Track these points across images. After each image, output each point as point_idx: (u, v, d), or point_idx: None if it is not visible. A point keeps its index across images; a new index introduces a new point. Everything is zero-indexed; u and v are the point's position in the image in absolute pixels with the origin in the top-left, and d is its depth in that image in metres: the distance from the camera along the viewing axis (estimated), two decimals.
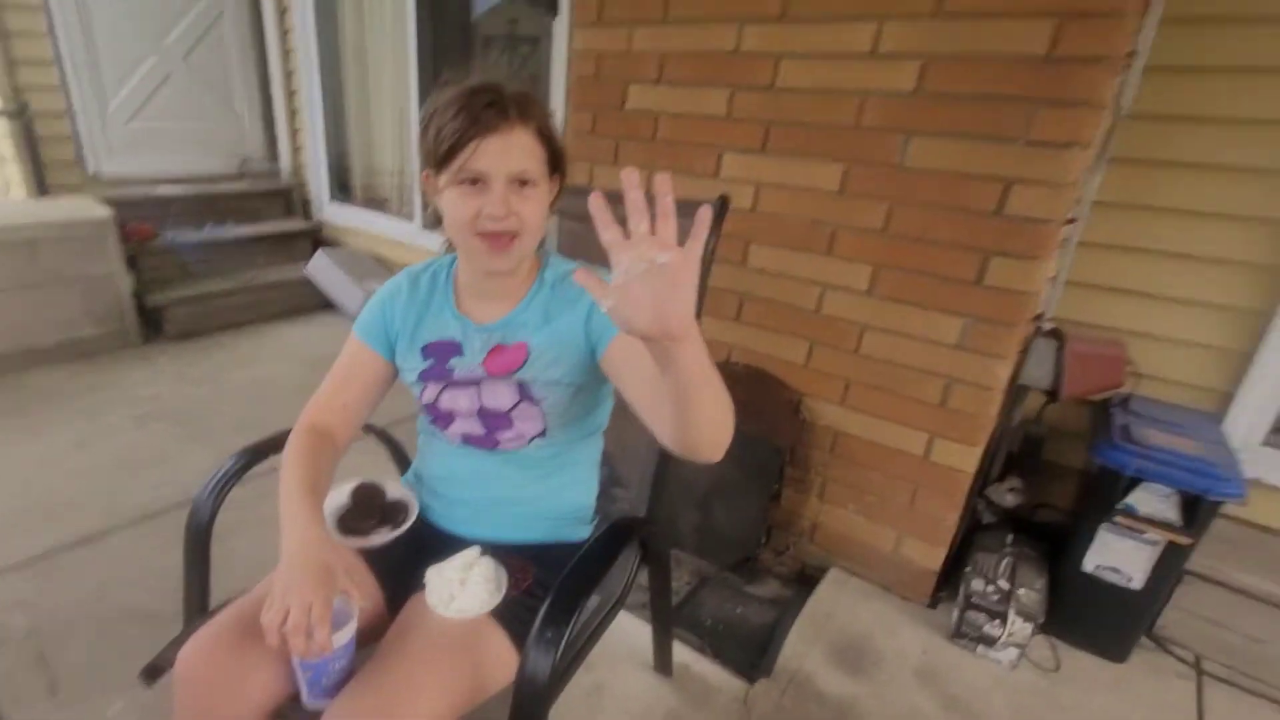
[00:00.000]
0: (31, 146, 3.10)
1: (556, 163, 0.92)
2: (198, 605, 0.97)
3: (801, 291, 1.77)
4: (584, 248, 1.22)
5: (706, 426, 0.68)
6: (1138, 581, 1.56)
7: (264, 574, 0.88)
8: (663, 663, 1.48)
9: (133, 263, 2.96)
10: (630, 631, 1.58)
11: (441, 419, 1.01)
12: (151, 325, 3.05)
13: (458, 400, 0.98)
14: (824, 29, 1.58)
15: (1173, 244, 1.70)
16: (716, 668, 1.53)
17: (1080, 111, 1.34)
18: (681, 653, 1.53)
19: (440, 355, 0.99)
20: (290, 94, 3.80)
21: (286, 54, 3.73)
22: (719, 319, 1.92)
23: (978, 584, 1.60)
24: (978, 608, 1.58)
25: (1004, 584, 1.60)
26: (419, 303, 1.01)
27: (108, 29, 3.23)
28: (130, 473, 2.05)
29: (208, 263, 3.31)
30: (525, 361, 0.95)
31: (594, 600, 1.10)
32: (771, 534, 1.92)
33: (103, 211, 2.81)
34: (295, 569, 0.78)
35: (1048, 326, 1.69)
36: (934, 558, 1.73)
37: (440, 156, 0.84)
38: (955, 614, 1.65)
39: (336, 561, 0.81)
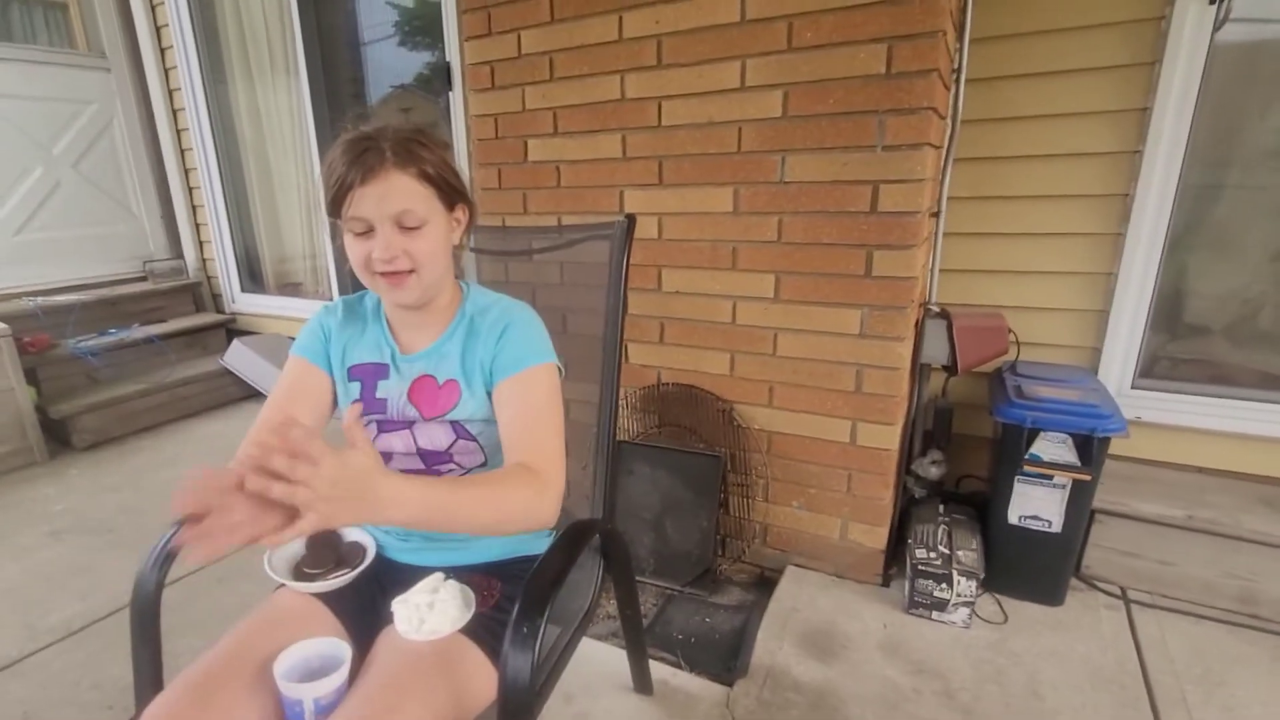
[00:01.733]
0: None
1: (454, 197, 0.94)
2: (150, 683, 0.94)
3: (715, 306, 1.89)
4: (502, 284, 1.29)
5: (492, 532, 0.89)
6: (1057, 524, 1.70)
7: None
8: (642, 682, 1.49)
9: (31, 375, 2.80)
10: (606, 659, 1.59)
11: None
12: (57, 438, 2.87)
13: (392, 443, 1.00)
14: (696, 71, 1.76)
15: (1022, 225, 1.95)
16: (694, 678, 1.55)
17: (922, 116, 1.54)
18: (658, 670, 1.55)
19: (367, 378, 1.01)
20: (190, 190, 3.76)
21: (183, 153, 3.71)
22: (643, 343, 2.01)
23: (921, 553, 1.71)
24: (924, 575, 1.68)
25: (943, 549, 1.71)
26: (352, 325, 1.04)
27: None
28: (50, 589, 1.90)
29: (115, 367, 3.16)
30: (456, 404, 0.97)
31: (565, 609, 1.13)
32: (725, 544, 1.98)
33: None
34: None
35: (935, 309, 1.87)
36: (878, 537, 1.83)
37: (329, 206, 0.90)
38: (906, 586, 1.74)
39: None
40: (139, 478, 2.65)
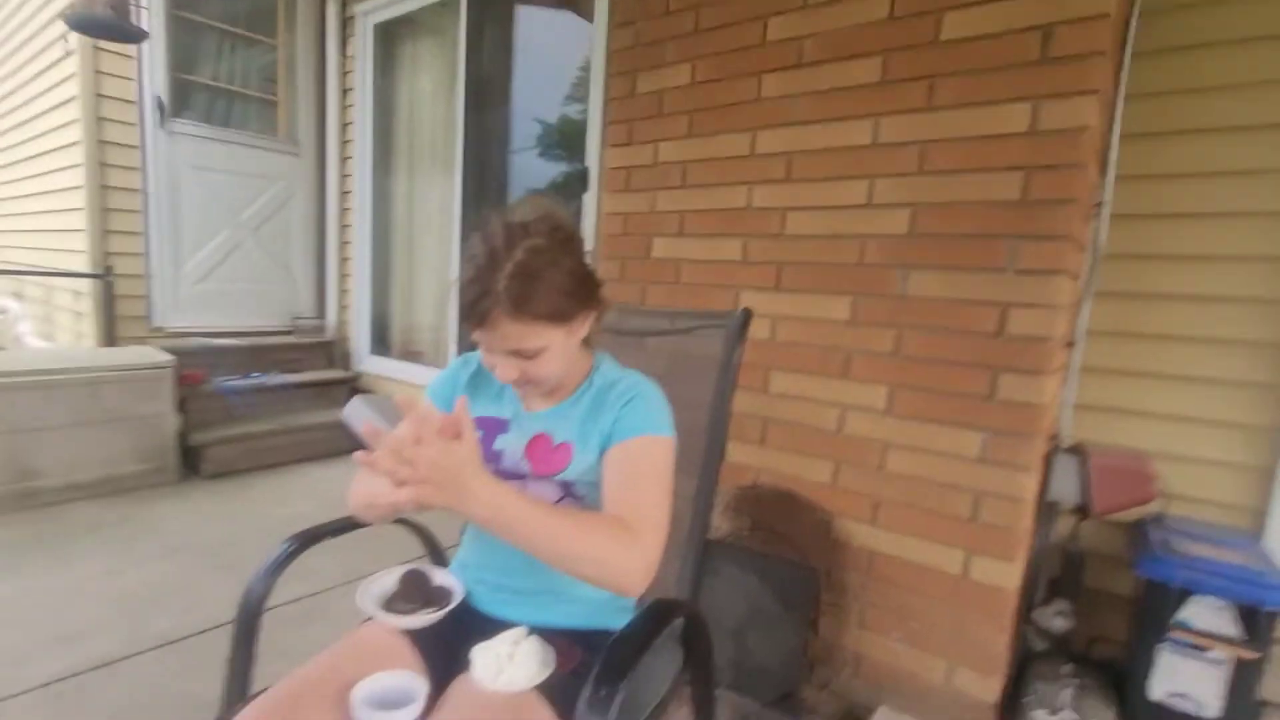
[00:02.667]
0: (108, 304, 3.42)
1: (574, 314, 0.95)
2: (240, 688, 0.96)
3: (822, 413, 1.85)
4: (630, 360, 1.33)
5: (567, 568, 0.85)
6: (1213, 709, 1.45)
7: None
8: None
9: (182, 405, 3.13)
10: None
11: None
12: (190, 464, 3.14)
13: None
14: (824, 186, 1.84)
15: (1174, 367, 1.78)
16: None
17: (1059, 244, 1.52)
18: None
19: (489, 431, 1.05)
20: (342, 260, 4.23)
21: (343, 229, 4.21)
22: (744, 443, 1.99)
23: (1042, 714, 1.50)
24: None
25: (1071, 714, 1.49)
26: (483, 377, 1.10)
27: (192, 209, 3.70)
28: (156, 600, 2.02)
29: (250, 406, 3.47)
30: (569, 464, 1.00)
31: (638, 696, 1.07)
32: (813, 668, 1.82)
33: (164, 357, 3.04)
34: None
35: (1067, 444, 1.74)
36: (990, 689, 1.62)
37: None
38: None
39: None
40: (250, 510, 2.82)
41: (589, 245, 2.88)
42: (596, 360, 1.09)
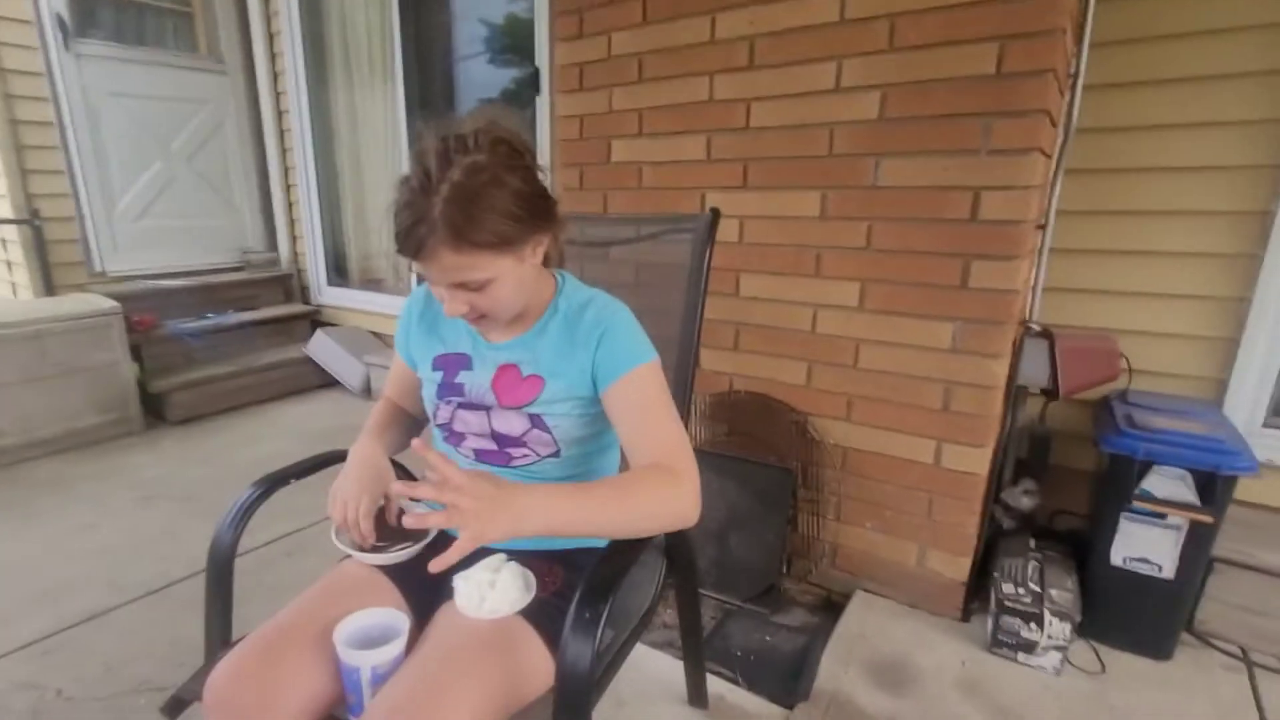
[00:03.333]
0: (40, 251, 3.21)
1: (522, 239, 0.85)
2: (220, 636, 0.95)
3: (795, 314, 1.82)
4: (575, 269, 1.27)
5: (631, 532, 0.85)
6: (1168, 570, 1.53)
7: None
8: (697, 695, 1.43)
9: (136, 352, 3.01)
10: (660, 668, 1.54)
11: (454, 437, 1.02)
12: (154, 412, 3.06)
13: (469, 423, 0.99)
14: (789, 72, 1.71)
15: (1141, 243, 1.79)
16: (752, 696, 1.47)
17: (1033, 119, 1.44)
18: (714, 684, 1.48)
19: (450, 368, 1.00)
20: (288, 188, 3.98)
21: (284, 153, 3.94)
22: (717, 349, 1.96)
23: (1008, 588, 1.57)
24: (1012, 612, 1.55)
25: (1034, 586, 1.57)
26: (434, 314, 1.04)
27: (116, 140, 3.42)
28: (136, 551, 2.01)
29: (210, 349, 3.36)
30: (538, 396, 0.95)
31: (623, 608, 1.09)
32: (792, 562, 1.89)
33: (109, 304, 2.89)
34: (349, 477, 0.96)
35: (1036, 328, 1.74)
36: (960, 568, 1.70)
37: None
38: (990, 622, 1.61)
39: (387, 471, 0.98)
40: (223, 453, 2.79)
41: (544, 155, 2.73)
42: (559, 281, 1.01)
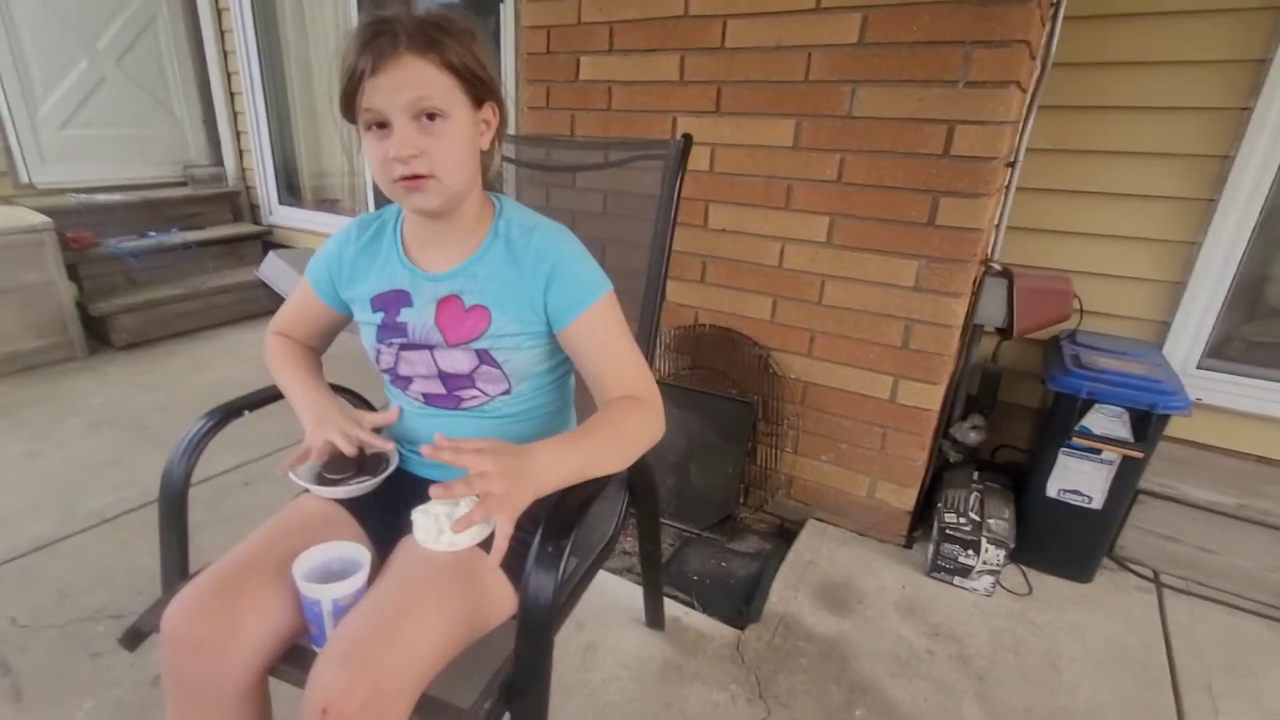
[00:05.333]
0: None
1: (481, 92, 0.84)
2: (176, 569, 0.94)
3: (763, 248, 1.80)
4: (542, 210, 1.22)
5: (624, 465, 0.87)
6: (1097, 501, 1.63)
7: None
8: (654, 617, 1.49)
9: (74, 272, 2.84)
10: (619, 592, 1.60)
11: (400, 381, 0.99)
12: (98, 336, 2.93)
13: (414, 365, 0.96)
14: None
15: (1102, 184, 1.81)
16: (706, 618, 1.55)
17: (1013, 50, 1.40)
18: (671, 608, 1.55)
19: (390, 307, 0.96)
20: (232, 96, 3.70)
21: (226, 55, 3.63)
22: (683, 281, 1.94)
23: (950, 517, 1.66)
24: (951, 539, 1.64)
25: (974, 515, 1.66)
26: (367, 252, 0.98)
27: (34, 33, 3.09)
28: (86, 478, 1.96)
29: (154, 270, 3.19)
30: (485, 330, 0.91)
31: (585, 538, 1.11)
32: (749, 492, 1.95)
33: (39, 219, 2.70)
34: (321, 411, 0.96)
35: (997, 267, 1.76)
36: (907, 498, 1.78)
37: (342, 103, 0.81)
38: (930, 548, 1.70)
39: (347, 413, 0.97)
40: (174, 380, 2.70)
41: (508, 69, 2.57)
42: (497, 205, 0.96)
